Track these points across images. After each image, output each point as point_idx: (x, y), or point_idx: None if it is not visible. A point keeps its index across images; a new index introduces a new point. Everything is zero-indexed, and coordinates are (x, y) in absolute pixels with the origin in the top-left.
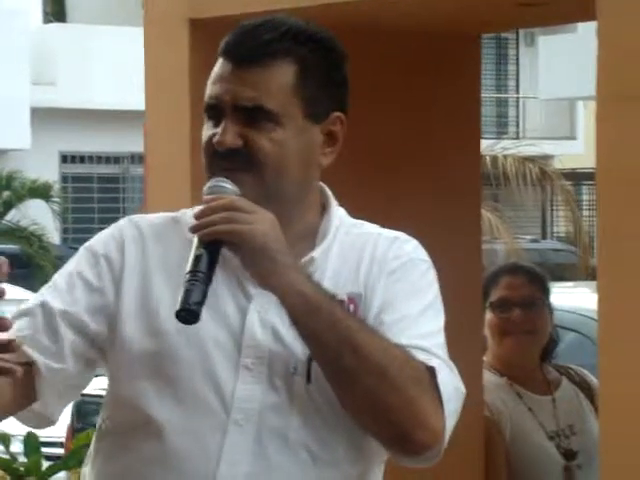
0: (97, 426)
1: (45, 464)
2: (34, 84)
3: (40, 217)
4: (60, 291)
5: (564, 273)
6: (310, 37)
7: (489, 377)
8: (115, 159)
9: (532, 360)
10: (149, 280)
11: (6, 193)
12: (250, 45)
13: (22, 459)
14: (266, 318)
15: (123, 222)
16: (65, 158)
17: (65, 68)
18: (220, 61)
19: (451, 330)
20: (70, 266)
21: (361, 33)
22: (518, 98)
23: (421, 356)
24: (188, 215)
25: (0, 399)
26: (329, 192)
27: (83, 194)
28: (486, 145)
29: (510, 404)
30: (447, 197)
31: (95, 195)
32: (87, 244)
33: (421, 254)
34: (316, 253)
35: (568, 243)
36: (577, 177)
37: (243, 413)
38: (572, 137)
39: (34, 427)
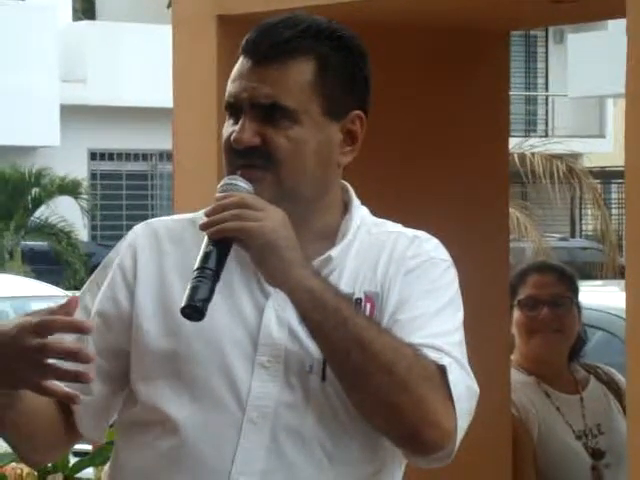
0: (117, 424)
1: (72, 460)
2: (63, 81)
3: (69, 214)
4: (90, 315)
5: (592, 271)
6: (330, 35)
7: (517, 376)
8: (144, 156)
9: (560, 359)
10: (166, 282)
11: (35, 190)
12: (269, 43)
13: None
14: (283, 316)
15: (139, 227)
16: (94, 155)
17: (94, 65)
18: (240, 59)
19: (478, 329)
20: (92, 284)
21: (388, 30)
22: (547, 96)
23: (433, 355)
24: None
25: (52, 434)
26: (352, 191)
27: (112, 191)
28: (514, 143)
29: (538, 403)
30: (475, 196)
31: (124, 192)
32: (109, 255)
33: (441, 253)
34: (334, 252)
35: (597, 241)
36: (606, 175)
37: (258, 411)
38: (601, 135)
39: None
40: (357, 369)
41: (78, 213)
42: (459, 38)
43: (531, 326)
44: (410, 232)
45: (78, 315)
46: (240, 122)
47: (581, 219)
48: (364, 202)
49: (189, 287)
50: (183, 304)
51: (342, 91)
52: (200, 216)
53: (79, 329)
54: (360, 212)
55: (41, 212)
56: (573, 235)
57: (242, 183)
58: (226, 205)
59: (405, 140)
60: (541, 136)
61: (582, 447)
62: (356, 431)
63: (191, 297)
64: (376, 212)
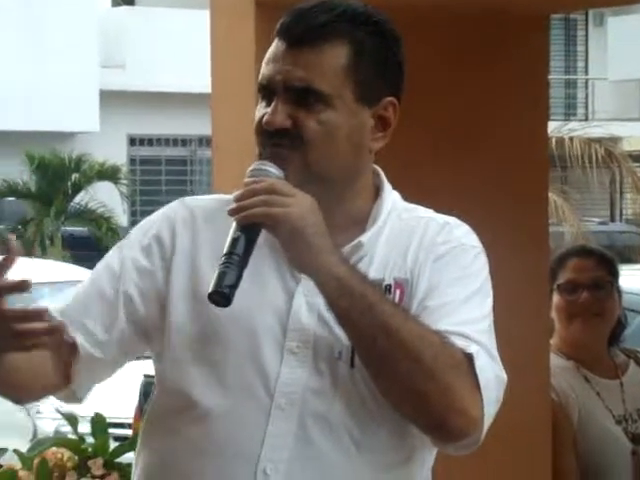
0: (146, 409)
1: (113, 445)
2: (103, 67)
3: (108, 199)
4: (118, 275)
5: (632, 255)
6: (366, 20)
7: (556, 360)
8: (183, 142)
9: (600, 343)
10: (199, 263)
11: (75, 175)
12: (304, 26)
13: (90, 440)
14: (313, 302)
15: (175, 203)
16: (133, 141)
17: (133, 51)
18: (275, 41)
19: (518, 313)
20: (122, 248)
21: (425, 15)
22: (587, 79)
23: (460, 342)
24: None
25: (45, 379)
26: (383, 176)
27: (151, 176)
28: (554, 127)
29: (577, 388)
30: (513, 180)
31: (163, 177)
32: (139, 225)
33: (472, 239)
34: (365, 237)
35: (636, 225)
36: None
37: (286, 397)
38: None
39: (62, 401)
40: (383, 356)
41: (117, 199)
42: (499, 22)
43: (571, 310)
44: (441, 218)
45: (104, 276)
46: (273, 104)
47: (621, 203)
48: (398, 189)
49: (216, 273)
50: (210, 290)
51: (376, 77)
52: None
53: (19, 287)
54: (391, 197)
55: (81, 198)
56: (613, 219)
57: (272, 168)
58: (255, 190)
59: (441, 125)
60: (581, 120)
61: (622, 432)
62: (384, 418)
63: (218, 283)
64: (411, 199)
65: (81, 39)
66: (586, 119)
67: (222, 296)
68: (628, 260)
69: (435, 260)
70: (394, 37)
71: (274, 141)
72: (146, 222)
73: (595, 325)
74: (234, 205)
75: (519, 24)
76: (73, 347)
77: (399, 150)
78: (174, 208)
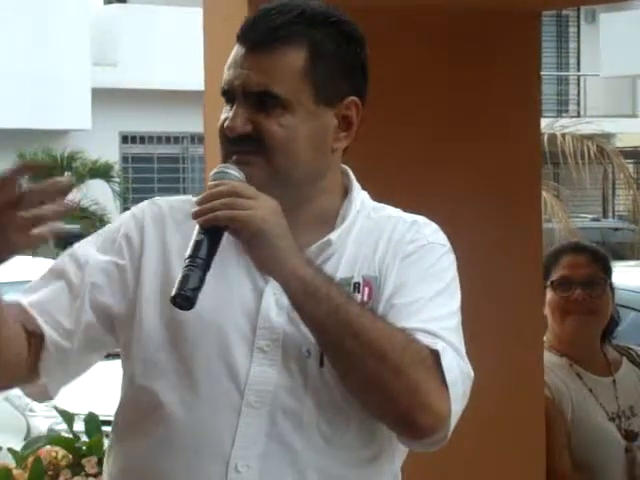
0: (114, 413)
1: (107, 443)
2: (95, 65)
3: (101, 197)
4: (84, 265)
5: (625, 252)
6: (324, 20)
7: (549, 357)
8: (175, 139)
9: (593, 340)
10: (168, 263)
11: (67, 173)
12: (262, 29)
13: (84, 438)
14: (282, 300)
15: (145, 204)
16: (125, 138)
17: (126, 49)
18: (236, 46)
19: (512, 311)
20: (90, 243)
21: (417, 12)
22: (579, 76)
23: (426, 340)
24: None
25: (16, 368)
26: (352, 175)
27: (143, 174)
28: (546, 124)
29: (570, 385)
30: (507, 177)
31: (155, 175)
32: (109, 225)
33: (440, 238)
34: (333, 235)
35: (629, 222)
36: (638, 155)
37: (257, 395)
38: (633, 115)
39: (34, 400)
40: (351, 356)
41: (110, 196)
42: (490, 19)
43: (564, 307)
44: (409, 217)
45: (70, 266)
46: (233, 109)
47: (613, 199)
48: (390, 188)
49: (179, 276)
50: (173, 293)
51: (336, 77)
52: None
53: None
54: (360, 196)
55: (73, 196)
56: (605, 216)
57: (234, 171)
58: (217, 193)
59: (433, 122)
60: (573, 116)
61: (615, 429)
62: (353, 415)
63: (181, 286)
64: (403, 197)
65: (73, 37)
66: (578, 116)
67: (185, 299)
68: (620, 257)
69: (403, 258)
70: (355, 37)
71: (237, 148)
72: (116, 222)
73: (588, 322)
74: (197, 208)
75: (511, 21)
76: (41, 338)
77: (391, 149)
78: (143, 208)
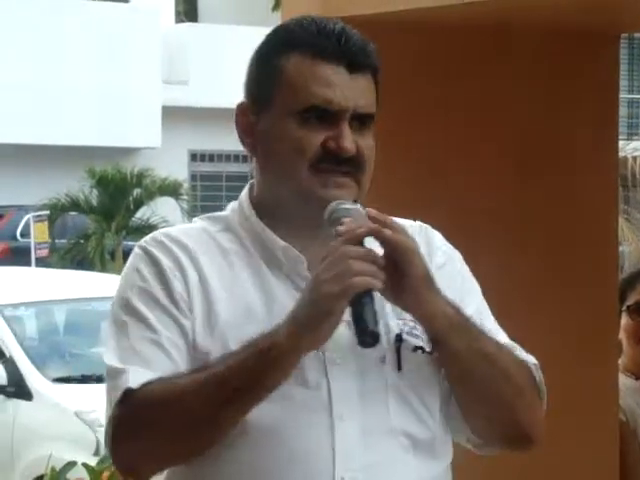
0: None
1: None
2: (165, 83)
3: (169, 215)
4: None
5: None
6: (374, 51)
7: (624, 380)
8: (244, 158)
9: None
10: (210, 291)
11: (137, 190)
12: (356, 51)
13: None
14: None
15: (153, 245)
16: (194, 156)
17: (196, 67)
18: (324, 64)
19: (587, 334)
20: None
21: (494, 34)
22: None
23: (521, 354)
24: (214, 229)
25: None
26: None
27: (212, 192)
28: None
29: None
30: (582, 200)
31: (223, 193)
32: (143, 288)
33: (447, 242)
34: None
35: None
36: None
37: (344, 408)
38: None
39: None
40: (483, 381)
41: (178, 214)
42: (569, 40)
43: (639, 333)
44: (410, 222)
45: (173, 331)
46: (342, 130)
47: None
48: (460, 211)
49: (366, 313)
50: (369, 328)
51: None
52: (208, 225)
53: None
54: None
55: (142, 213)
56: None
57: (351, 206)
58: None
59: (511, 143)
60: None
61: None
62: (432, 422)
63: (372, 323)
64: (473, 217)
65: (144, 55)
66: None
67: (375, 336)
68: None
69: (439, 268)
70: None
71: (339, 168)
72: (150, 280)
73: None
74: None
75: (592, 43)
76: None
77: (466, 168)
78: (155, 253)
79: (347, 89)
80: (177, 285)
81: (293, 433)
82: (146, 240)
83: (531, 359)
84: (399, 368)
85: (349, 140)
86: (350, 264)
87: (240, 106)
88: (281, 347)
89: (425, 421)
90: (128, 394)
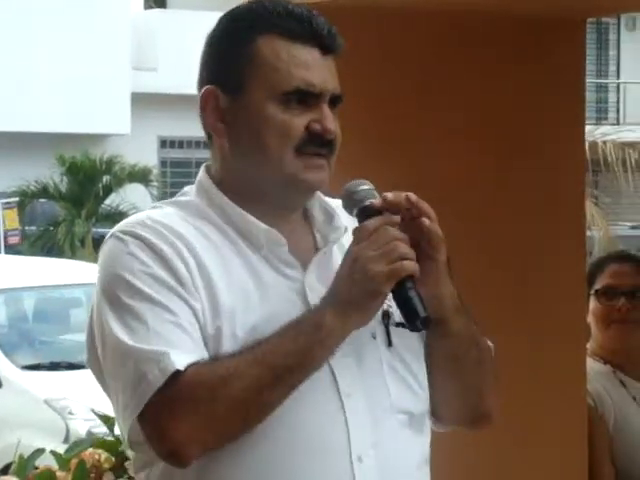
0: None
1: None
2: (135, 69)
3: (139, 201)
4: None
5: None
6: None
7: (592, 365)
8: None
9: (636, 348)
10: (210, 276)
11: (106, 177)
12: (331, 35)
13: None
14: (324, 296)
15: (141, 227)
16: (164, 143)
17: (165, 53)
18: (300, 47)
19: (555, 318)
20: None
21: (463, 18)
22: (619, 84)
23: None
24: (187, 215)
25: None
26: None
27: (181, 179)
28: (586, 131)
29: (613, 392)
30: (550, 185)
31: (193, 180)
32: (148, 271)
33: None
34: (340, 222)
35: None
36: None
37: (348, 385)
38: None
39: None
40: (472, 364)
41: (148, 200)
42: (534, 26)
43: (608, 316)
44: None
45: (188, 317)
46: (325, 112)
47: None
48: (442, 192)
49: (414, 299)
50: (422, 314)
51: None
52: (180, 207)
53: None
54: None
55: (112, 200)
56: None
57: (370, 186)
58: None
59: (478, 130)
60: (612, 124)
61: None
62: (424, 396)
63: (423, 308)
64: (446, 202)
65: (113, 41)
66: (617, 123)
67: (427, 320)
68: None
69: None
70: None
71: (322, 151)
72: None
73: (632, 331)
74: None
75: (556, 28)
76: None
77: (433, 155)
78: (150, 238)
79: (323, 71)
80: (181, 268)
81: (307, 415)
82: (128, 225)
83: (489, 342)
84: (389, 344)
85: (332, 122)
86: (398, 246)
87: (207, 91)
88: (330, 327)
89: (419, 395)
90: (174, 376)
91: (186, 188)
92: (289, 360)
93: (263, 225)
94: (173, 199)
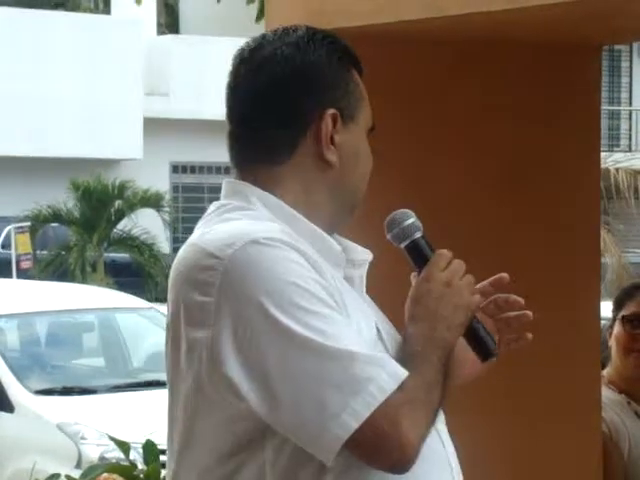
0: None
1: (164, 472)
2: (147, 95)
3: (151, 226)
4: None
5: None
6: None
7: (607, 393)
8: (225, 169)
9: None
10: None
11: (118, 202)
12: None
13: (140, 467)
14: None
15: (283, 242)
16: (176, 168)
17: (178, 79)
18: (357, 75)
19: (567, 343)
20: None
21: (478, 47)
22: (631, 111)
23: None
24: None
25: None
26: None
27: (193, 204)
28: None
29: (628, 422)
30: (565, 211)
31: (205, 205)
32: (307, 286)
33: None
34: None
35: None
36: None
37: (449, 449)
38: None
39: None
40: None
41: (160, 225)
42: (550, 52)
43: (631, 344)
44: None
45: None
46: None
47: None
48: (457, 216)
49: (485, 332)
50: (492, 348)
51: None
52: (283, 233)
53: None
54: None
55: (124, 224)
56: None
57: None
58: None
59: (493, 155)
60: (624, 151)
61: None
62: None
63: (493, 342)
64: (458, 228)
65: (126, 67)
66: (629, 150)
67: (495, 355)
68: None
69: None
70: None
71: None
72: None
73: None
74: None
75: (572, 54)
76: None
77: (445, 181)
78: (289, 248)
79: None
80: (326, 288)
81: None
82: (266, 231)
83: None
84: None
85: None
86: (471, 278)
87: (332, 114)
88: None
89: None
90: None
91: (228, 208)
92: (437, 392)
93: (338, 246)
94: (251, 219)
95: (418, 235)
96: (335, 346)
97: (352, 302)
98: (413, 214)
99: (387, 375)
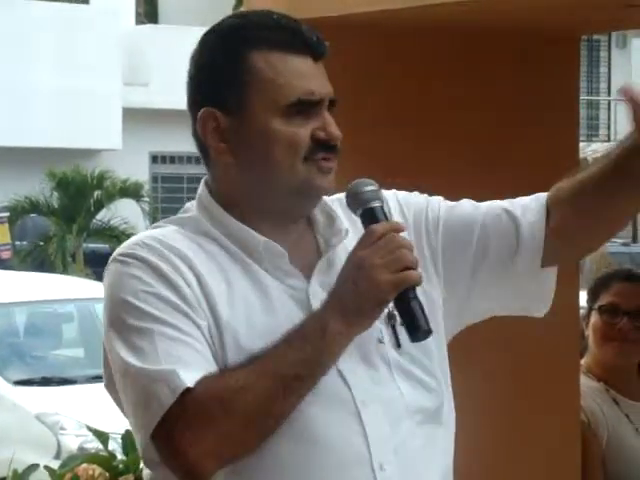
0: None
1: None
2: (126, 85)
3: (130, 216)
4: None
5: None
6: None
7: (585, 381)
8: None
9: (632, 367)
10: (210, 292)
11: (97, 193)
12: (316, 41)
13: (119, 457)
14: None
15: (141, 247)
16: (155, 158)
17: (157, 69)
18: (294, 57)
19: (548, 333)
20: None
21: (455, 35)
22: (609, 101)
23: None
24: (189, 232)
25: None
26: None
27: (173, 194)
28: None
29: (606, 409)
30: None
31: (185, 195)
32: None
33: None
34: (343, 225)
35: None
36: None
37: (362, 393)
38: None
39: None
40: None
41: (140, 216)
42: (529, 41)
43: (608, 333)
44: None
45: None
46: (327, 118)
47: None
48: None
49: (416, 311)
50: (424, 328)
51: None
52: (180, 229)
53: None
54: None
55: (103, 215)
56: (635, 240)
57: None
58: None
59: (476, 143)
60: (603, 141)
61: None
62: (441, 392)
63: (426, 320)
64: None
65: (105, 57)
66: (608, 140)
67: (427, 334)
68: None
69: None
70: None
71: (329, 155)
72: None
73: (630, 351)
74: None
75: (552, 44)
76: None
77: (426, 168)
78: (151, 259)
79: (319, 78)
80: (183, 286)
81: (326, 429)
82: (127, 247)
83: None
84: (398, 345)
85: (335, 127)
86: (404, 254)
87: (205, 113)
88: (334, 333)
89: (433, 389)
90: (185, 393)
91: (188, 204)
92: (297, 369)
93: (262, 237)
94: (175, 216)
95: (376, 205)
96: (141, 366)
97: (239, 301)
98: (374, 183)
99: (169, 390)
